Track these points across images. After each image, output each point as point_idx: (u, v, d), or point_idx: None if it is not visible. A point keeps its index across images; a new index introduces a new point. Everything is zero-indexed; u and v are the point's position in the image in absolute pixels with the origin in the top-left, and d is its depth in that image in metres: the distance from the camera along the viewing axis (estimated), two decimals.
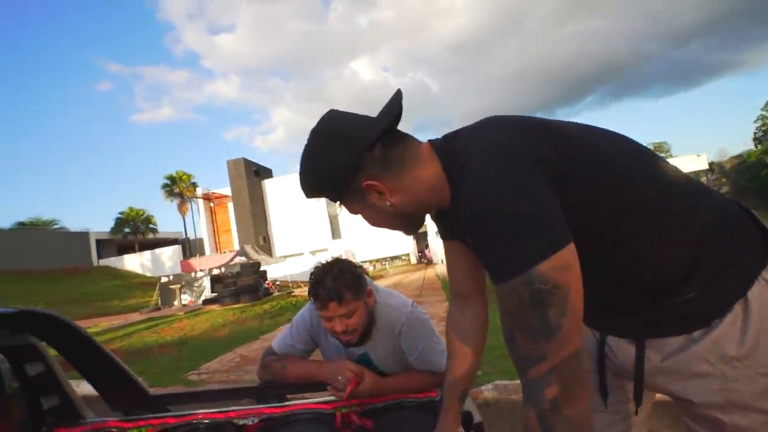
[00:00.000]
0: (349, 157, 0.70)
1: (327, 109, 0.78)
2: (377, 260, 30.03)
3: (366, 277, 1.23)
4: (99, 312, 15.50)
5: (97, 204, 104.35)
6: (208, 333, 7.72)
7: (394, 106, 0.73)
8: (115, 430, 1.30)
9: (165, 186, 35.26)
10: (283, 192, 32.94)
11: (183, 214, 35.53)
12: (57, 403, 1.29)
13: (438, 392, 1.24)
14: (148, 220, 36.65)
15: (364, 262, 25.95)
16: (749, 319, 0.64)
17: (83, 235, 32.53)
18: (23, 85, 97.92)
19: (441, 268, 16.72)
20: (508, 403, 2.66)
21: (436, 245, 21.49)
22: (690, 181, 0.73)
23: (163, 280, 16.39)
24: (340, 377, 1.19)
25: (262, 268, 15.66)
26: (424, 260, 25.82)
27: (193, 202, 35.59)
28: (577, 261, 0.59)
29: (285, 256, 26.64)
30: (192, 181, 35.60)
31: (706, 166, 33.69)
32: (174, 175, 35.31)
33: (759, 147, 35.25)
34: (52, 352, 1.29)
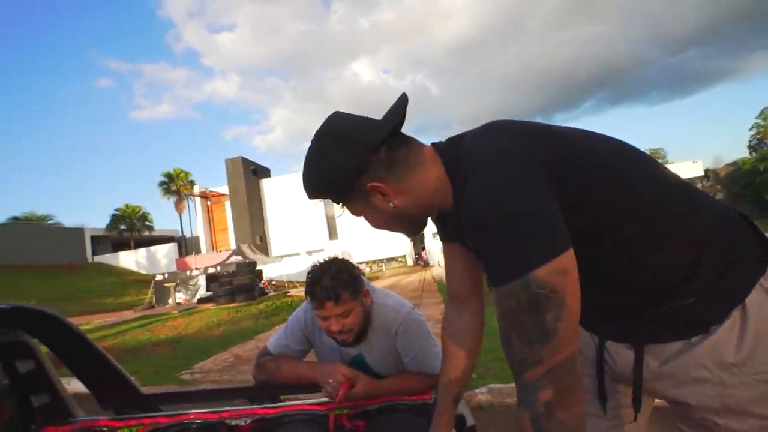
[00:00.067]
0: (354, 159, 0.71)
1: (326, 110, 0.79)
2: (374, 261, 30.02)
3: (363, 277, 1.23)
4: (92, 309, 15.40)
5: (93, 200, 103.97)
6: (202, 332, 7.68)
7: (399, 109, 0.74)
8: (105, 429, 1.29)
9: (162, 183, 35.15)
10: (281, 192, 32.91)
11: (180, 212, 35.41)
12: (47, 401, 1.28)
13: (432, 395, 1.24)
14: (145, 217, 36.48)
15: (361, 263, 25.97)
16: (747, 326, 0.65)
17: (78, 231, 32.33)
18: (21, 80, 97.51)
19: (437, 270, 16.74)
20: (502, 406, 2.66)
21: (433, 247, 21.51)
22: (688, 184, 0.74)
23: (158, 278, 16.28)
24: (331, 380, 1.19)
25: (258, 268, 15.64)
26: (421, 262, 25.84)
27: (190, 200, 35.48)
28: (576, 266, 0.59)
29: (281, 256, 26.60)
30: (189, 179, 35.51)
31: (702, 173, 33.97)
32: (172, 172, 35.21)
33: (754, 155, 35.54)
34: (43, 349, 1.28)
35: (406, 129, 0.77)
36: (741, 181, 31.06)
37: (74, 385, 1.46)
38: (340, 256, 1.27)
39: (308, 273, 1.19)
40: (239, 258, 18.42)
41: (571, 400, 0.59)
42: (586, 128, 0.76)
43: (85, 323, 10.50)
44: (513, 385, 0.63)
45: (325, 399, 1.24)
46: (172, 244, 32.85)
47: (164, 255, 31.48)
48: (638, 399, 0.77)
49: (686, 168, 31.64)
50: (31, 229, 30.51)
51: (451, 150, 0.74)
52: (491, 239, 0.60)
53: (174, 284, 15.41)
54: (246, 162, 33.26)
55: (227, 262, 18.14)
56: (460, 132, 0.79)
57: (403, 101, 0.74)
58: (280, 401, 1.34)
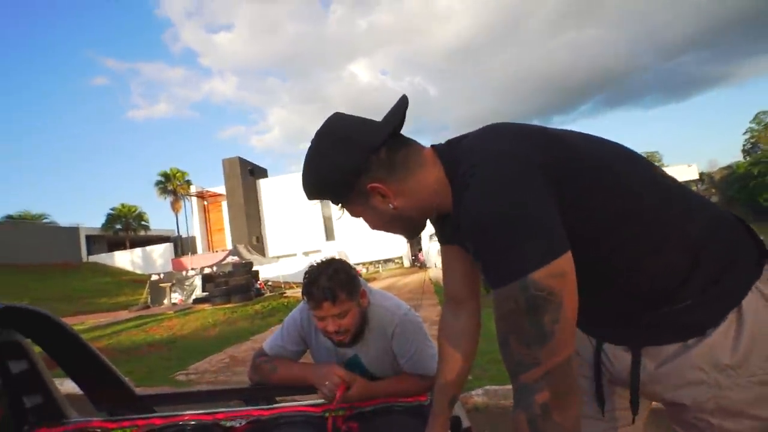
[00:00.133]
0: (354, 160, 0.71)
1: (324, 111, 0.80)
2: (370, 263, 30.00)
3: (360, 278, 1.23)
4: (87, 309, 15.29)
5: (88, 199, 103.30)
6: (197, 333, 7.64)
7: (399, 111, 0.74)
8: (99, 430, 1.28)
9: (159, 183, 35.02)
10: (278, 192, 32.82)
11: (176, 211, 35.28)
12: (40, 402, 1.27)
13: (428, 396, 1.24)
14: (140, 216, 36.31)
15: (357, 264, 25.91)
16: (743, 328, 0.65)
17: (73, 230, 32.09)
18: (16, 77, 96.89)
19: (434, 271, 16.74)
20: (497, 408, 2.66)
21: (430, 249, 21.52)
22: (685, 187, 0.74)
23: (154, 278, 16.21)
24: (328, 382, 1.19)
25: (254, 268, 15.59)
26: (417, 264, 25.84)
27: (186, 200, 35.34)
28: (574, 269, 0.60)
29: (278, 257, 26.52)
30: (186, 179, 35.40)
31: (697, 176, 34.22)
32: (168, 172, 35.09)
33: (748, 159, 35.83)
34: (36, 349, 1.27)
35: (405, 130, 0.77)
36: (735, 185, 31.27)
37: (67, 386, 1.45)
38: (337, 257, 1.27)
39: (305, 273, 1.19)
40: (235, 258, 18.36)
41: (568, 403, 0.59)
42: (583, 131, 0.76)
43: (80, 323, 10.42)
44: (509, 387, 0.63)
45: (321, 400, 1.24)
46: (168, 244, 32.66)
47: (160, 255, 31.30)
48: (636, 401, 0.77)
49: (681, 171, 31.83)
50: (25, 228, 30.24)
51: (451, 152, 0.74)
52: (490, 241, 0.60)
53: (170, 284, 15.33)
54: (243, 162, 33.14)
55: (223, 262, 18.06)
56: (457, 134, 0.79)
57: (403, 103, 0.74)
58: (276, 402, 1.34)
